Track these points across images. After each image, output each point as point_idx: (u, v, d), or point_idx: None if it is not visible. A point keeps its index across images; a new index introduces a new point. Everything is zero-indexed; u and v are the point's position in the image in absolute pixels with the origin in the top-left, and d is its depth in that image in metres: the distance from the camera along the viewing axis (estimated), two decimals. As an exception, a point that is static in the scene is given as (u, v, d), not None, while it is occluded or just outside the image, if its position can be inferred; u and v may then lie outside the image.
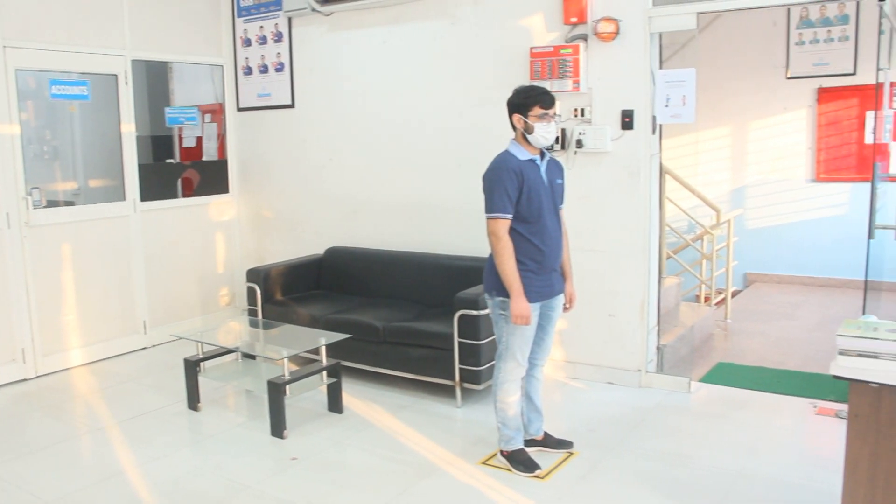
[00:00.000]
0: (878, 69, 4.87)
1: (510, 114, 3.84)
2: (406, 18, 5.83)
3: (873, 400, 2.80)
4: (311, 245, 6.54)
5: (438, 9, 5.67)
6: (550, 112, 3.79)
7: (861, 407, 2.83)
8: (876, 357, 2.77)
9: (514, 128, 3.86)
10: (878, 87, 4.82)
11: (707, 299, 7.19)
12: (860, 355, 2.80)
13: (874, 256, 5.37)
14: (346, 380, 5.16)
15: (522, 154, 3.82)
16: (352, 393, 5.17)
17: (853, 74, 7.77)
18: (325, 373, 4.84)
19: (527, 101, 3.79)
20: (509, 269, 3.75)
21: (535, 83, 4.70)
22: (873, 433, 2.81)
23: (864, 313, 3.90)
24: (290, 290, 6.01)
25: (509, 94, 3.90)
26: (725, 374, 5.52)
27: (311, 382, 4.82)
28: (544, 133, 3.78)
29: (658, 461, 4.13)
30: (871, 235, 4.72)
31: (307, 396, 5.04)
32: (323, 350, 4.81)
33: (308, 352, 4.93)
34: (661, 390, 5.14)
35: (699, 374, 5.47)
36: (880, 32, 4.95)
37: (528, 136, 3.80)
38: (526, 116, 3.78)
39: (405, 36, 5.87)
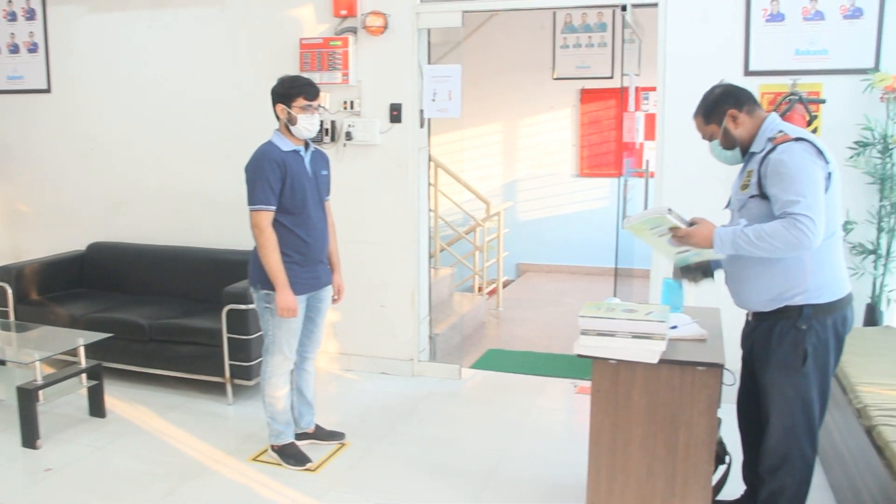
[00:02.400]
0: (623, 74, 5.27)
1: (274, 103, 3.78)
2: (173, 3, 5.58)
3: (612, 375, 3.02)
4: (72, 240, 6.12)
5: (207, -5, 5.49)
6: (314, 103, 3.77)
7: (602, 382, 3.05)
8: (613, 335, 2.99)
9: (277, 118, 3.81)
10: (623, 90, 5.22)
11: (480, 289, 7.48)
12: (599, 334, 3.01)
13: (626, 245, 5.81)
14: (110, 382, 4.88)
15: (286, 145, 3.78)
16: (116, 395, 4.89)
17: (611, 78, 8.34)
18: (84, 375, 4.56)
19: (291, 92, 3.74)
20: (273, 262, 3.70)
21: (304, 74, 4.67)
22: (613, 406, 3.04)
23: (614, 296, 4.20)
24: (47, 288, 5.60)
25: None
26: (495, 360, 5.77)
27: (70, 386, 4.52)
28: (307, 125, 3.75)
29: (427, 446, 4.25)
30: (623, 226, 5.10)
31: (66, 402, 4.72)
32: (82, 351, 4.52)
33: (67, 354, 4.62)
34: (434, 378, 5.28)
35: (470, 361, 5.68)
36: (624, 40, 5.36)
37: (292, 128, 3.75)
38: (290, 107, 3.73)
39: (171, 21, 5.62)
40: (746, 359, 3.12)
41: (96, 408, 4.62)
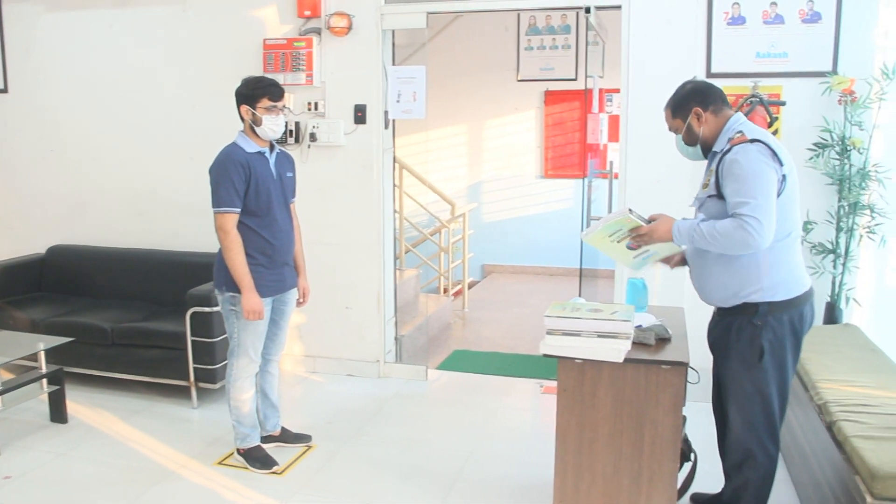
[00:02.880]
0: (587, 76, 5.32)
1: (238, 104, 3.75)
2: (135, 2, 5.50)
3: (578, 374, 3.05)
4: (31, 243, 6.00)
5: (169, -6, 5.43)
6: (279, 104, 3.74)
7: (568, 382, 3.08)
8: (578, 335, 3.02)
9: (241, 119, 3.78)
10: (587, 92, 5.26)
11: (445, 290, 7.49)
12: (565, 334, 3.03)
13: (591, 246, 5.83)
14: (72, 387, 4.81)
15: (250, 146, 3.75)
16: (78, 401, 4.82)
17: (575, 80, 8.39)
18: (45, 380, 4.48)
19: (255, 93, 3.71)
20: (239, 264, 3.67)
21: (268, 75, 4.64)
22: (579, 405, 3.06)
23: (579, 296, 4.23)
24: (6, 292, 5.47)
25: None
26: (461, 361, 5.78)
27: (30, 392, 4.44)
28: (272, 126, 3.73)
29: (394, 448, 4.24)
30: (587, 226, 5.15)
31: (26, 407, 4.63)
32: (42, 356, 4.44)
33: (27, 359, 4.53)
34: (400, 379, 5.28)
35: (436, 362, 5.68)
36: (587, 43, 5.41)
37: (256, 129, 3.72)
38: (254, 108, 3.70)
39: (134, 21, 5.53)
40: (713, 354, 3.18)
41: (57, 413, 4.54)
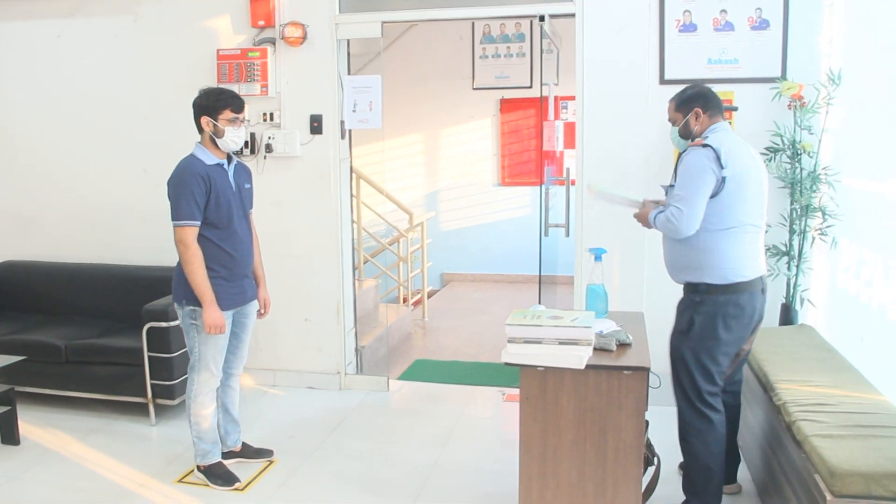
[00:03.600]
0: (542, 84, 5.35)
1: (198, 116, 3.70)
2: (84, 12, 5.40)
3: (540, 382, 3.05)
4: (-22, 261, 5.87)
5: (120, 4, 5.31)
6: (241, 116, 3.72)
7: (530, 389, 3.08)
8: (539, 342, 3.03)
9: (200, 130, 3.73)
10: (543, 100, 5.29)
11: (405, 300, 7.47)
12: (526, 342, 3.04)
13: (549, 253, 5.87)
14: (24, 407, 4.70)
15: (209, 158, 3.70)
16: (30, 421, 4.70)
17: (530, 87, 8.44)
18: (-6, 401, 4.38)
19: (216, 105, 3.67)
20: (199, 278, 3.62)
21: (223, 85, 4.59)
22: (541, 412, 3.07)
23: (538, 304, 4.25)
24: (-47, 311, 5.36)
25: (196, 96, 3.76)
26: (423, 371, 5.76)
27: (-21, 413, 4.34)
28: (234, 137, 3.70)
29: (357, 460, 4.21)
30: (545, 233, 5.17)
31: (-25, 430, 4.52)
32: (-9, 376, 4.34)
33: (-26, 380, 4.42)
34: (361, 391, 5.24)
35: (398, 373, 5.66)
36: (542, 50, 5.44)
37: (218, 140, 3.68)
38: (216, 119, 3.66)
39: (82, 31, 5.43)
40: None
41: (8, 435, 4.42)
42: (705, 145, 3.18)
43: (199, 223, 3.63)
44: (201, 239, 3.65)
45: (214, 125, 3.67)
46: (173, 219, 3.62)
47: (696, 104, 3.35)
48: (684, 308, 3.33)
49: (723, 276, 3.20)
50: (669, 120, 3.48)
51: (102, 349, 4.74)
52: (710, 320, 3.23)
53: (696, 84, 3.49)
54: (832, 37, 4.36)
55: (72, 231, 5.68)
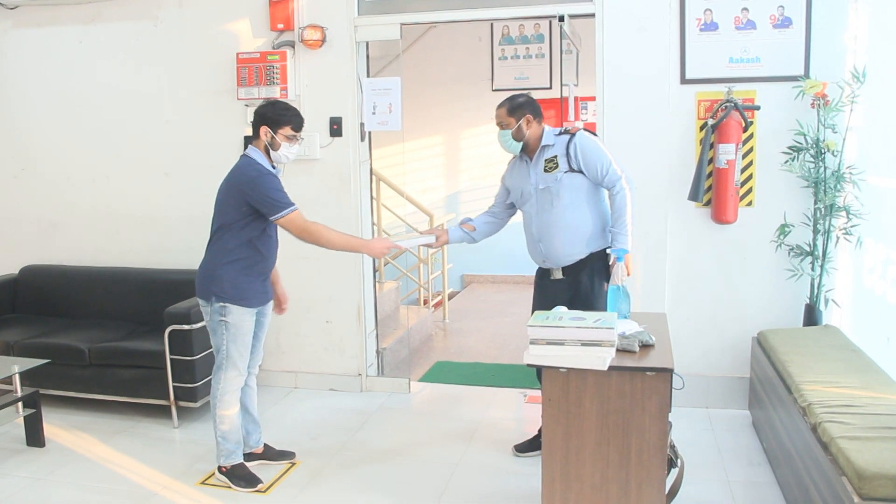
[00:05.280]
0: (562, 84, 5.33)
1: (258, 123, 3.75)
2: (105, 18, 5.45)
3: (563, 384, 3.03)
4: (3, 264, 5.91)
5: (140, 9, 5.35)
6: (299, 135, 3.80)
7: (553, 391, 3.06)
8: (562, 344, 3.01)
9: (255, 135, 3.77)
10: (563, 101, 5.28)
11: (426, 302, 7.46)
12: (549, 343, 3.03)
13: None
14: (49, 410, 4.72)
15: (266, 163, 3.76)
16: (55, 423, 4.74)
17: (549, 88, 8.40)
18: (20, 404, 4.39)
19: (279, 119, 3.72)
20: (341, 240, 3.84)
21: (242, 89, 4.60)
22: (564, 414, 3.05)
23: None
24: (-22, 315, 5.41)
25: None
26: (444, 373, 5.75)
27: (5, 416, 4.35)
28: (287, 153, 3.77)
29: (379, 462, 4.21)
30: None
31: (1, 432, 4.56)
32: (16, 378, 4.36)
33: (1, 382, 4.45)
34: (383, 393, 5.24)
35: (419, 375, 5.66)
36: (562, 51, 5.42)
37: (272, 152, 3.75)
38: (275, 132, 3.71)
39: (104, 36, 5.48)
40: None
41: (34, 437, 4.46)
42: (580, 130, 3.83)
43: (297, 207, 3.70)
44: (243, 236, 3.72)
45: (273, 137, 3.72)
46: (275, 213, 3.66)
47: (526, 111, 3.81)
48: (597, 273, 3.87)
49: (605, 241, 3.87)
50: (499, 124, 3.88)
51: (125, 352, 4.78)
52: (606, 278, 3.81)
53: (523, 94, 3.94)
54: (857, 33, 4.31)
55: (94, 235, 5.73)
